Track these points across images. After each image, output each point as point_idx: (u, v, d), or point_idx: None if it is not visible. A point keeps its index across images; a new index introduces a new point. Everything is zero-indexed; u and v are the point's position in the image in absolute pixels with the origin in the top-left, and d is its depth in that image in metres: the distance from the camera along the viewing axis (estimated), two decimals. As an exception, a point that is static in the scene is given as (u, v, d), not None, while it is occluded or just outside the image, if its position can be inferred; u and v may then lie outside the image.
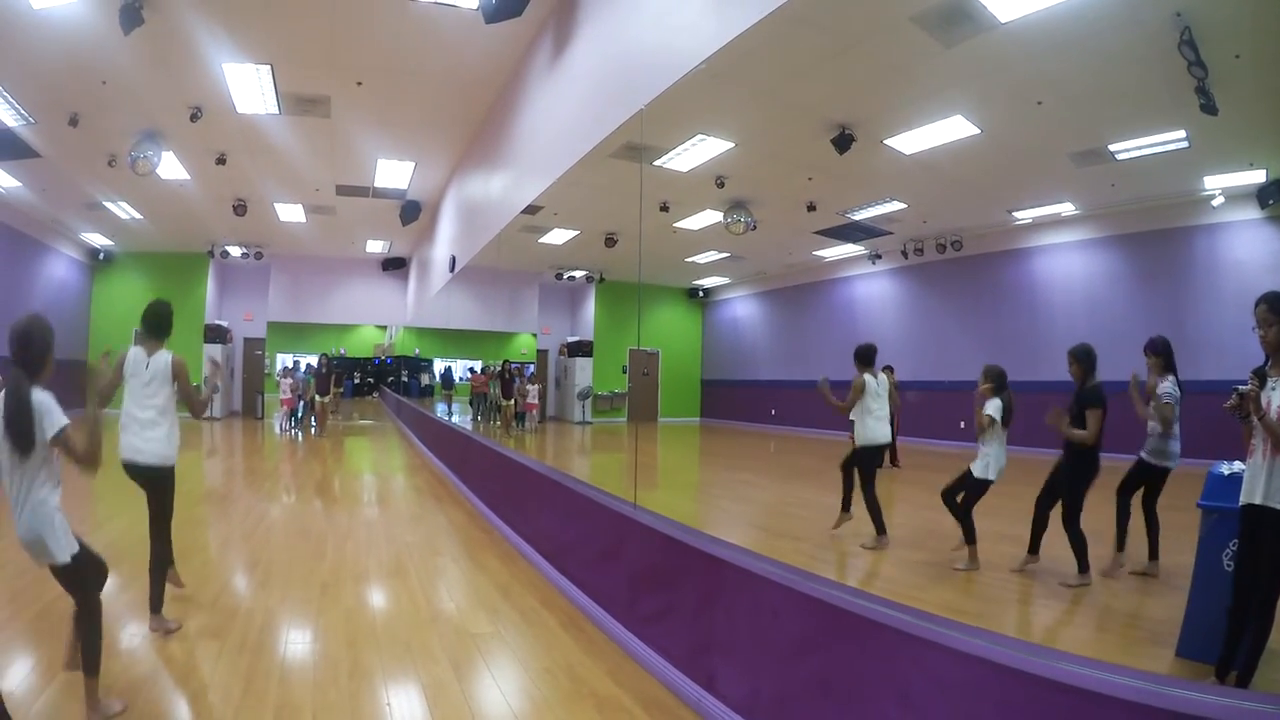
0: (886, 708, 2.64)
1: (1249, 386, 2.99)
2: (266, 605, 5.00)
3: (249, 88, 9.48)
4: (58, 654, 3.49)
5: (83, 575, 3.28)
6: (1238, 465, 3.35)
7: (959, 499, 5.79)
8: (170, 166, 12.36)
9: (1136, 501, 5.34)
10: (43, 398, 3.08)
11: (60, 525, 3.16)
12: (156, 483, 4.45)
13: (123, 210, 15.84)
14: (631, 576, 4.59)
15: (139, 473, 4.37)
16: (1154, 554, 5.19)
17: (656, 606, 4.25)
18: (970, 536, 5.66)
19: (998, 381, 5.79)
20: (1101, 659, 2.16)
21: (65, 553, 3.16)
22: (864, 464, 6.54)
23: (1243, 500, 3.06)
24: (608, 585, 4.92)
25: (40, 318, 3.22)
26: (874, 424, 6.53)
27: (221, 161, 12.14)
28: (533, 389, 17.40)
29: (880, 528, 6.34)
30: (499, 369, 17.47)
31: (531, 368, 19.42)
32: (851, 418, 6.66)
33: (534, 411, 17.60)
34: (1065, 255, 10.45)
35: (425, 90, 9.83)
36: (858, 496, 6.50)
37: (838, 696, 2.89)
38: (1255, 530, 3.01)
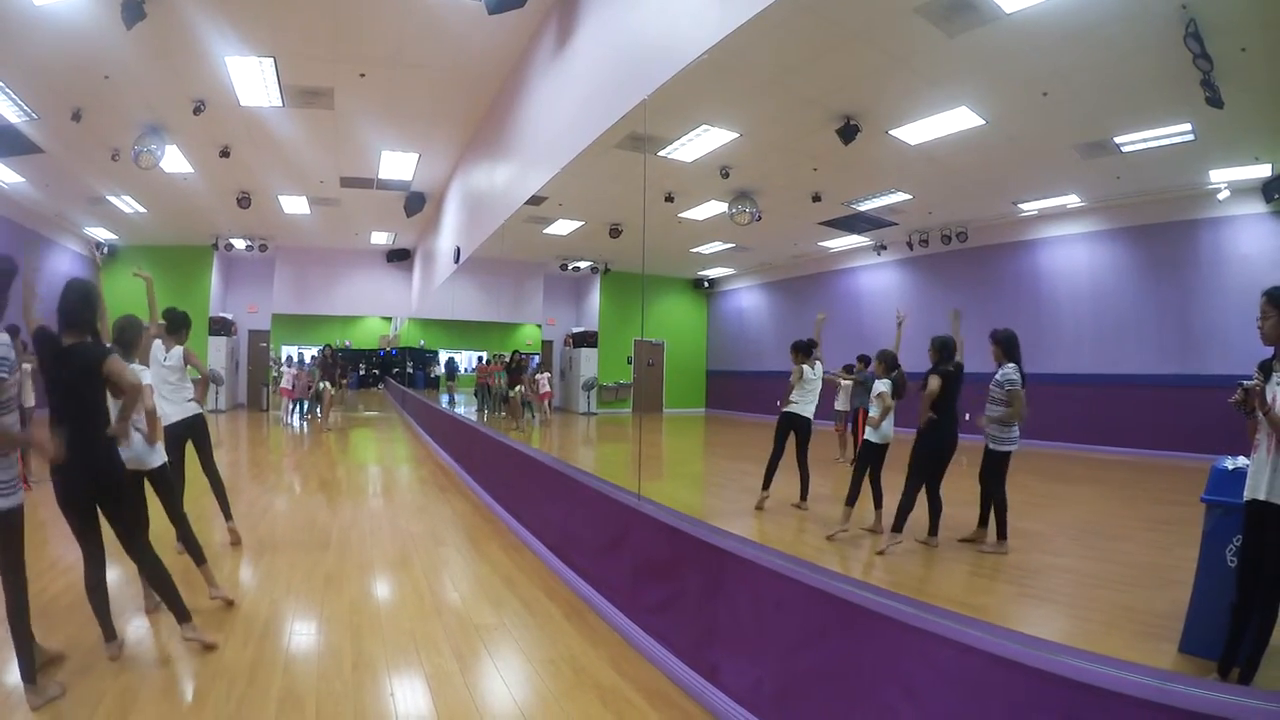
0: (889, 699, 2.65)
1: (1254, 381, 2.98)
2: (271, 596, 5.03)
3: (252, 81, 9.47)
4: (74, 654, 3.47)
5: (170, 480, 4.73)
6: (1242, 460, 3.34)
7: (866, 469, 6.48)
8: (174, 160, 12.34)
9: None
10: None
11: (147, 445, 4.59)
12: (199, 429, 6.02)
13: (126, 204, 15.82)
14: (635, 567, 4.60)
15: (184, 425, 5.80)
16: (982, 522, 5.86)
17: (660, 597, 4.27)
18: (877, 502, 6.42)
19: (889, 363, 6.44)
20: (1105, 654, 2.15)
21: (162, 458, 4.67)
22: (796, 432, 7.42)
23: (1247, 496, 3.03)
24: (611, 576, 4.94)
25: (133, 318, 4.74)
26: (798, 403, 7.42)
27: (225, 154, 12.12)
28: (543, 377, 17.25)
29: (802, 493, 7.35)
30: (508, 359, 17.41)
31: (538, 358, 19.36)
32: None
33: (547, 401, 17.41)
34: (1070, 247, 10.37)
35: (428, 82, 9.81)
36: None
37: (840, 687, 2.90)
38: (1259, 526, 2.99)
